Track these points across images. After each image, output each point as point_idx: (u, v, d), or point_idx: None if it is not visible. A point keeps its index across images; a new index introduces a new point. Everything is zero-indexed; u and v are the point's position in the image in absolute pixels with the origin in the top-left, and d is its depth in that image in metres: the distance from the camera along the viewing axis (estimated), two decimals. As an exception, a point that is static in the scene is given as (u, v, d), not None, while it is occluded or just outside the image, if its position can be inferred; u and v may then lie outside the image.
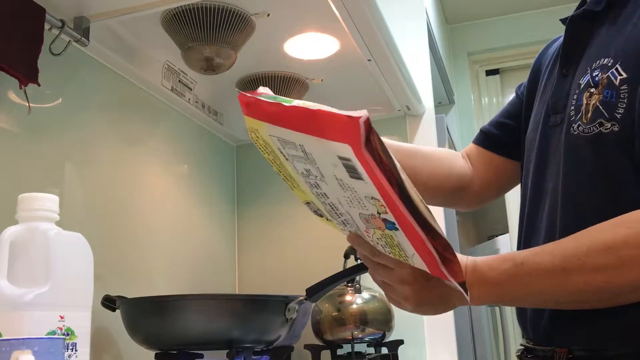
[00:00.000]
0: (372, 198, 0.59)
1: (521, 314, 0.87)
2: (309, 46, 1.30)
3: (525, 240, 0.87)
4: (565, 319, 0.76)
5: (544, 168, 0.84)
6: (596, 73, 0.75)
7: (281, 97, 0.62)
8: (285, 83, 1.42)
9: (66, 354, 0.71)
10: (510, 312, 2.98)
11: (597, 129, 0.73)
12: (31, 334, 0.67)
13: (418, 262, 0.65)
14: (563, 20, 0.89)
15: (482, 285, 0.71)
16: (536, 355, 0.82)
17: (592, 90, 0.75)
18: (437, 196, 1.03)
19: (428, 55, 1.92)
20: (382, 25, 1.24)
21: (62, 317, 0.71)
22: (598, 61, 0.76)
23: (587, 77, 0.76)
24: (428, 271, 0.66)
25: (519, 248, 0.89)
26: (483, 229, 2.94)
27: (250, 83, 1.42)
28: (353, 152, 0.54)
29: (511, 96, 1.05)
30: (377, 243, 0.69)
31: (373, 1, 1.16)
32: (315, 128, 0.56)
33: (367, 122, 0.52)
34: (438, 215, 1.67)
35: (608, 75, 0.73)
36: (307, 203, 0.76)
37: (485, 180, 1.04)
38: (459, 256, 0.69)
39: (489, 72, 3.24)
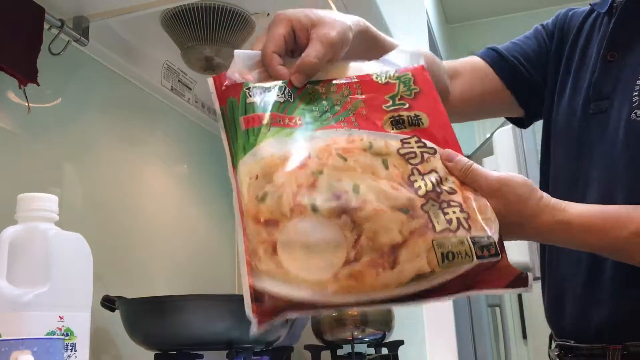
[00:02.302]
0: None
1: (558, 311, 0.83)
2: (309, 46, 1.30)
3: None
4: (624, 314, 0.74)
5: (583, 157, 0.81)
6: None
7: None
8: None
9: (65, 354, 0.71)
10: (510, 312, 2.98)
11: None
12: (30, 334, 0.67)
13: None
14: (607, 7, 0.85)
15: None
16: (580, 354, 0.79)
17: None
18: None
19: (428, 55, 1.92)
20: (383, 25, 1.24)
21: (61, 318, 0.71)
22: None
23: None
24: None
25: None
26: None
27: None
28: None
29: None
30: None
31: (373, 1, 1.16)
32: None
33: None
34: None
35: None
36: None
37: (469, 99, 0.93)
38: None
39: (490, 72, 3.24)
